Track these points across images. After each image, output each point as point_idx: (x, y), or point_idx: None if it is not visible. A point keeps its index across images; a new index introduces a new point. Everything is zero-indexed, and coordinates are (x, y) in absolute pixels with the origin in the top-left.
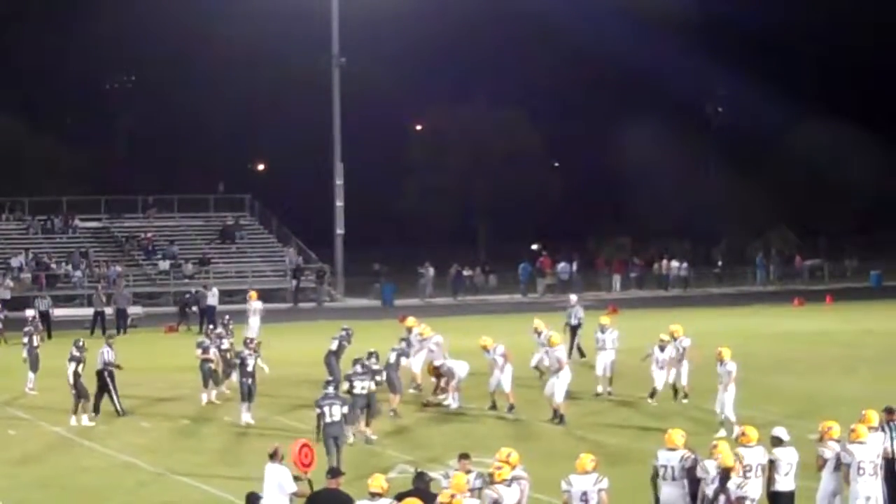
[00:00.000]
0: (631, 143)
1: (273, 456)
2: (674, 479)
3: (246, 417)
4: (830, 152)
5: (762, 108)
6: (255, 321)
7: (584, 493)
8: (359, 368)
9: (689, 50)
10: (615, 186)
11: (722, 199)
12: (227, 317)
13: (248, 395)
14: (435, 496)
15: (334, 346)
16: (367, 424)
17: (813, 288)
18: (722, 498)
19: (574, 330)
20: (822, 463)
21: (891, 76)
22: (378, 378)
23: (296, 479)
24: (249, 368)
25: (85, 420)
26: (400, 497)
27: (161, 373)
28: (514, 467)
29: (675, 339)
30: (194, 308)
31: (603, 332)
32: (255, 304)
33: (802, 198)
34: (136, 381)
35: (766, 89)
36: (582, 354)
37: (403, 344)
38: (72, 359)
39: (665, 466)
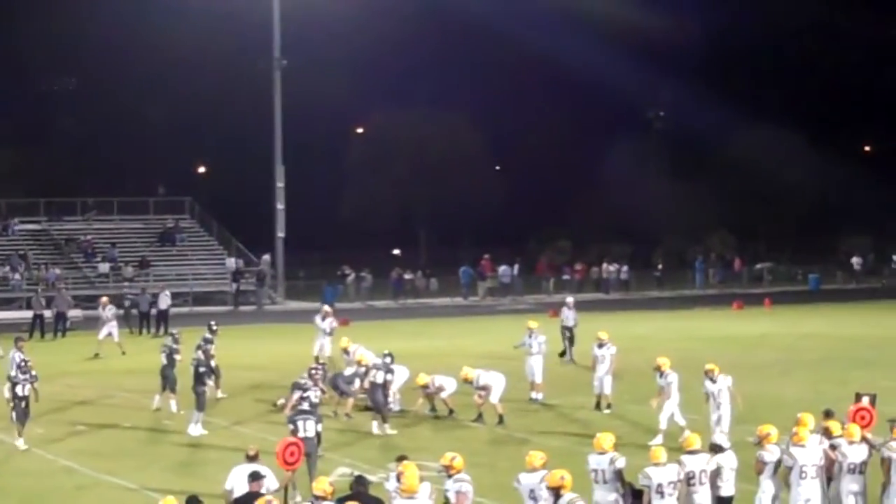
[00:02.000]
0: (573, 146)
1: (253, 458)
2: (605, 482)
3: (198, 429)
4: (770, 157)
5: (703, 112)
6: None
7: (532, 491)
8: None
9: (631, 55)
10: (557, 190)
11: (662, 202)
12: (213, 322)
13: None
14: (375, 499)
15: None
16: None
17: (752, 291)
18: None
19: (566, 331)
20: (761, 467)
21: (829, 82)
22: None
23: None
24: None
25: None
26: (341, 501)
27: (102, 376)
28: (458, 472)
29: (601, 346)
30: (133, 311)
31: (531, 336)
32: (110, 311)
33: (742, 202)
34: (77, 384)
35: (707, 94)
36: (562, 354)
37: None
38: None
39: (595, 470)
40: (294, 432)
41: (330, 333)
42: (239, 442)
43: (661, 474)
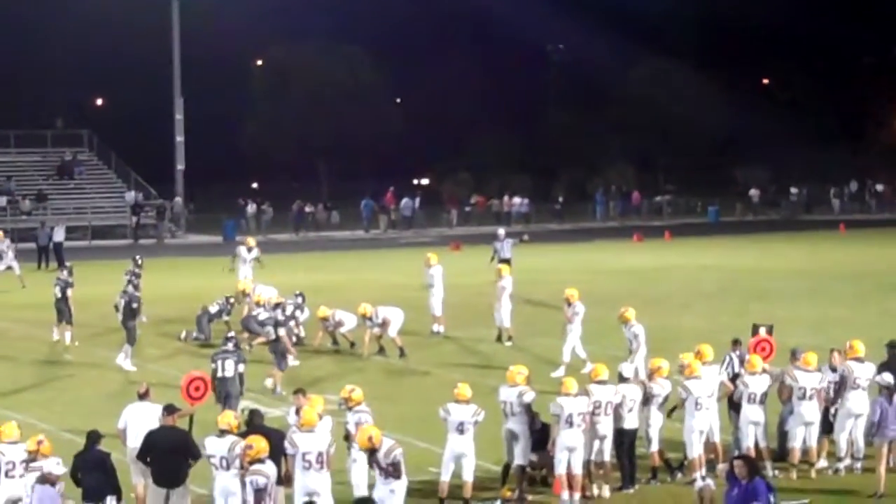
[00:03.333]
0: (473, 80)
1: (144, 395)
2: (513, 414)
3: (128, 364)
4: (669, 90)
5: (602, 46)
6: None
7: (461, 424)
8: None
9: None
10: (457, 123)
11: (562, 135)
12: (138, 257)
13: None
14: (274, 430)
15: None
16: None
17: (652, 224)
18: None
19: (504, 263)
20: (650, 399)
21: (730, 16)
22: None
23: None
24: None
25: None
26: (242, 435)
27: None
28: (357, 404)
29: (500, 278)
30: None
31: (429, 268)
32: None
33: (641, 134)
34: None
35: (606, 28)
36: None
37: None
38: None
39: (505, 402)
40: (214, 371)
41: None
42: (141, 376)
43: (572, 404)
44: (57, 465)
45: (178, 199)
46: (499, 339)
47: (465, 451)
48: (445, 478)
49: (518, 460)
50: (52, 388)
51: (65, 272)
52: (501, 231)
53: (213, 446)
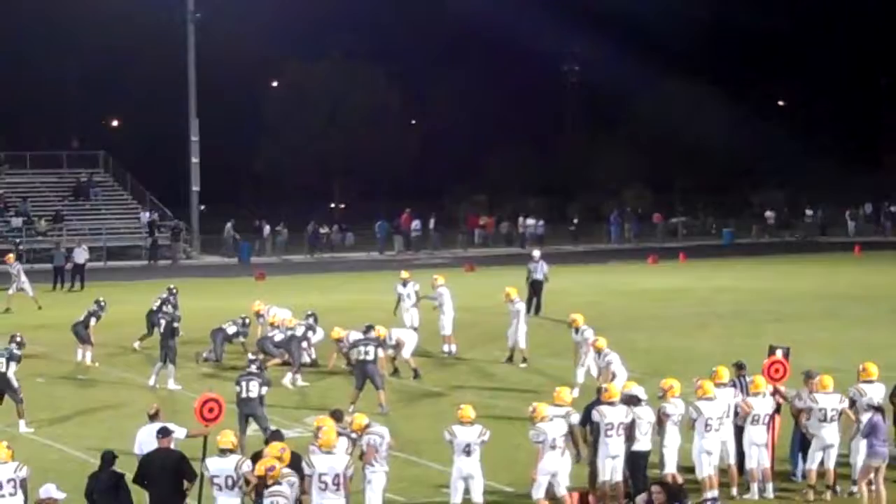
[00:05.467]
0: (488, 100)
1: (154, 416)
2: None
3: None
4: (684, 111)
5: (618, 67)
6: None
7: (468, 445)
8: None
9: (545, 9)
10: (473, 144)
11: (578, 156)
12: (172, 286)
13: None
14: (291, 452)
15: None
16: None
17: (667, 245)
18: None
19: (534, 285)
20: (664, 419)
21: (746, 37)
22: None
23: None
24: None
25: None
26: (256, 456)
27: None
28: (361, 428)
29: (510, 302)
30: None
31: (404, 286)
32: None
33: (657, 156)
34: None
35: (622, 49)
36: (538, 310)
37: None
38: None
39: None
40: (238, 393)
41: None
42: (154, 397)
43: (553, 429)
44: (57, 491)
45: (195, 212)
46: (509, 359)
47: (473, 472)
48: (457, 500)
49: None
50: (69, 408)
51: (95, 305)
52: (536, 252)
53: (217, 466)
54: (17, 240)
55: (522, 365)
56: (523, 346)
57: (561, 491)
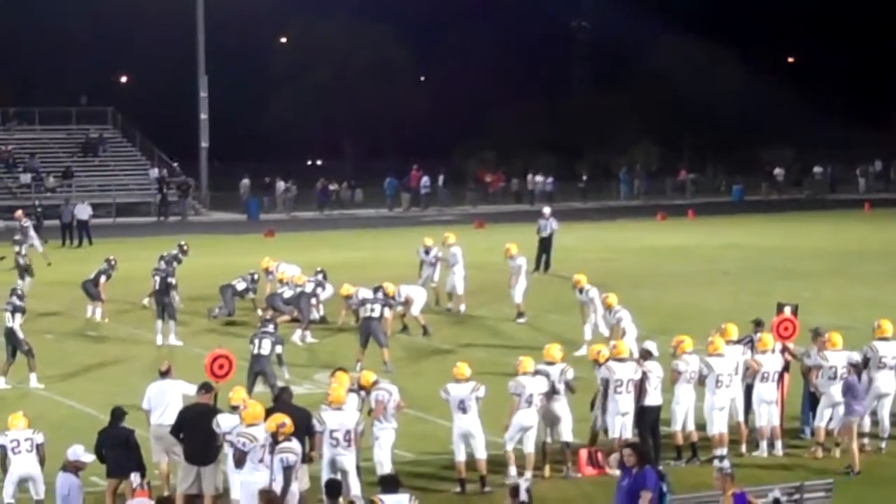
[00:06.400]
0: (497, 57)
1: (166, 373)
2: (556, 392)
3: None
4: (694, 68)
5: (626, 23)
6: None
7: (462, 401)
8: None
9: None
10: (481, 101)
11: (587, 113)
12: (184, 243)
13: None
14: (300, 409)
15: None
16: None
17: (676, 202)
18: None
19: (543, 242)
20: (676, 376)
21: None
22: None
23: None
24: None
25: None
26: (268, 412)
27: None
28: (369, 385)
29: (511, 258)
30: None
31: (427, 253)
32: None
33: (666, 113)
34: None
35: (631, 5)
36: (547, 267)
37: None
38: None
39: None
40: (251, 350)
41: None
42: (165, 354)
43: (532, 384)
44: (85, 453)
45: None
46: (521, 315)
47: (472, 429)
48: (460, 458)
49: (565, 437)
50: (79, 364)
51: (106, 264)
52: (547, 209)
53: (229, 423)
54: (36, 202)
55: (520, 320)
56: (519, 300)
57: (528, 448)
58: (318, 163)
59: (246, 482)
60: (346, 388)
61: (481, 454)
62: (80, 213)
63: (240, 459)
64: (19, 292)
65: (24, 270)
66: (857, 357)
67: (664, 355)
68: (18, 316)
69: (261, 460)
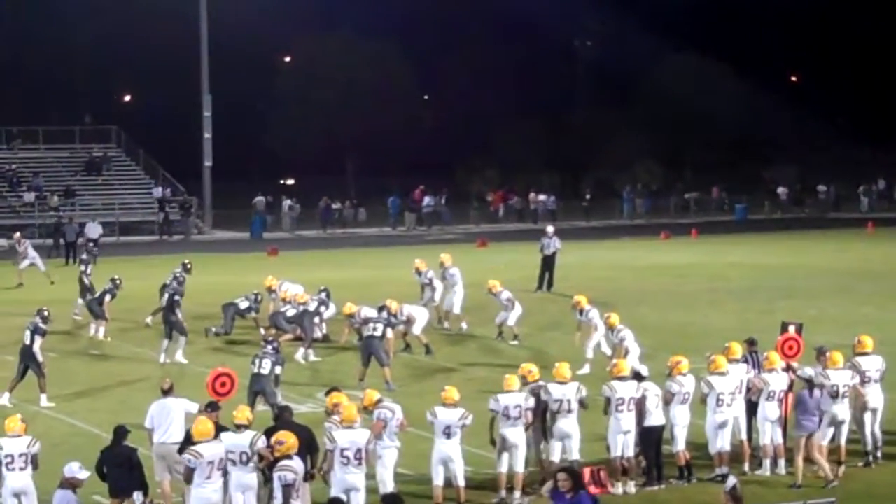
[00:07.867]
0: (500, 75)
1: (168, 391)
2: (570, 411)
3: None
4: (696, 87)
5: (630, 42)
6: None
7: (449, 427)
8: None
9: None
10: (484, 120)
11: (590, 132)
12: (188, 262)
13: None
14: (302, 426)
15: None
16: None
17: (679, 221)
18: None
19: (546, 261)
20: (669, 397)
21: (759, 12)
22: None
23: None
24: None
25: None
26: (269, 431)
27: (27, 305)
28: (372, 405)
29: (495, 294)
30: (60, 240)
31: (419, 275)
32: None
33: (669, 131)
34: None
35: (634, 24)
36: (550, 286)
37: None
38: None
39: (561, 400)
40: (251, 369)
41: None
42: (167, 372)
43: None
44: (80, 470)
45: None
46: (499, 335)
47: (452, 455)
48: (438, 482)
49: (574, 455)
50: (82, 382)
51: (111, 283)
52: (550, 228)
53: (232, 441)
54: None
55: (513, 342)
56: (512, 323)
57: (519, 468)
58: (322, 181)
59: (197, 496)
60: (356, 406)
61: (460, 481)
62: (91, 231)
63: (187, 476)
64: (45, 314)
65: (87, 290)
66: (809, 372)
67: (661, 375)
68: (38, 338)
69: (208, 478)
